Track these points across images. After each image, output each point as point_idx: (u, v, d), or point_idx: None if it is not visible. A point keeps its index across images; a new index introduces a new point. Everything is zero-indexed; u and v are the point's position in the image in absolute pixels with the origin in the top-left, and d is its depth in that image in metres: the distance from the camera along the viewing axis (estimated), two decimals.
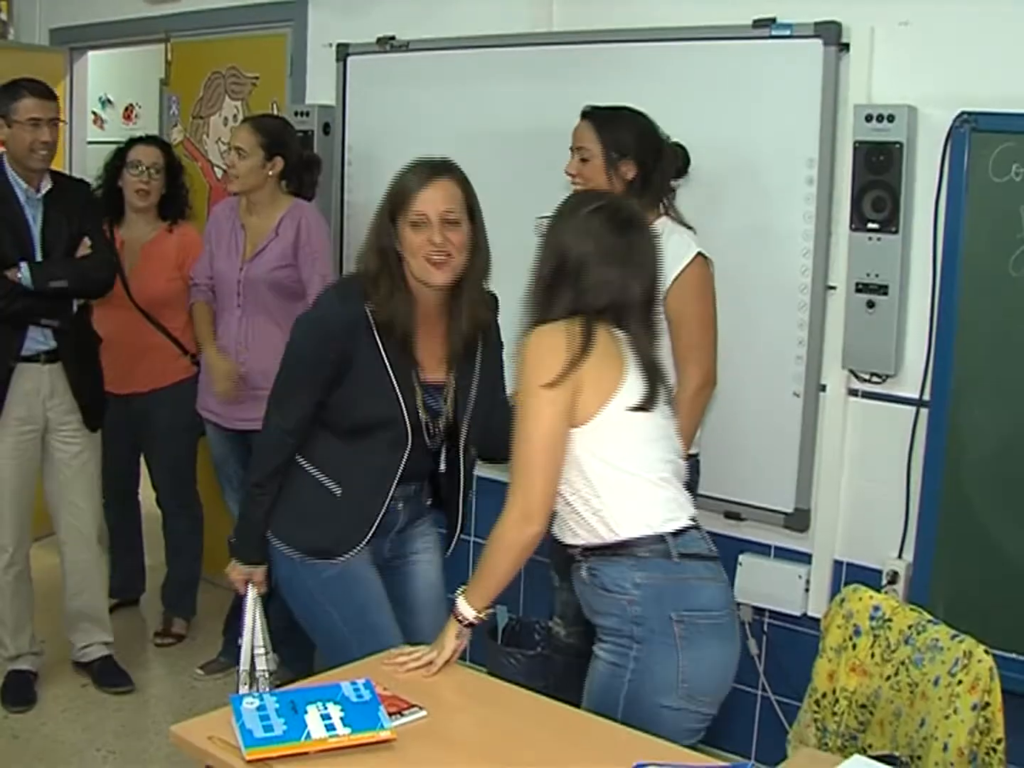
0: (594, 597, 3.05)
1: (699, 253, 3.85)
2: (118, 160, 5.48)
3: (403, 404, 3.43)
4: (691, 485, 3.38)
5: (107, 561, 5.50)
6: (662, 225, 3.87)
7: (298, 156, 5.03)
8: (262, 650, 3.74)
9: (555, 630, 4.25)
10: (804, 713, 3.29)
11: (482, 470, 5.00)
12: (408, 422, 3.44)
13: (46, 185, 4.84)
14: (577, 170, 3.94)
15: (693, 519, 3.08)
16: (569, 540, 3.08)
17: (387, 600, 3.59)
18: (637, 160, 3.89)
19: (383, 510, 3.50)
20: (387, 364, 3.42)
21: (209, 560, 5.74)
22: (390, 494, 3.50)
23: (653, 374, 3.05)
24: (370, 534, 3.50)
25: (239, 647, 3.73)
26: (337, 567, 3.51)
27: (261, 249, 4.92)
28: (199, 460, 5.68)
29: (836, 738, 3.21)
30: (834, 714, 3.21)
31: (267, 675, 3.72)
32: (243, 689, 3.67)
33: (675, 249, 3.78)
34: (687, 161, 4.09)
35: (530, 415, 2.95)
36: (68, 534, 5.11)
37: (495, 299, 3.60)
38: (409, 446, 3.46)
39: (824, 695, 3.25)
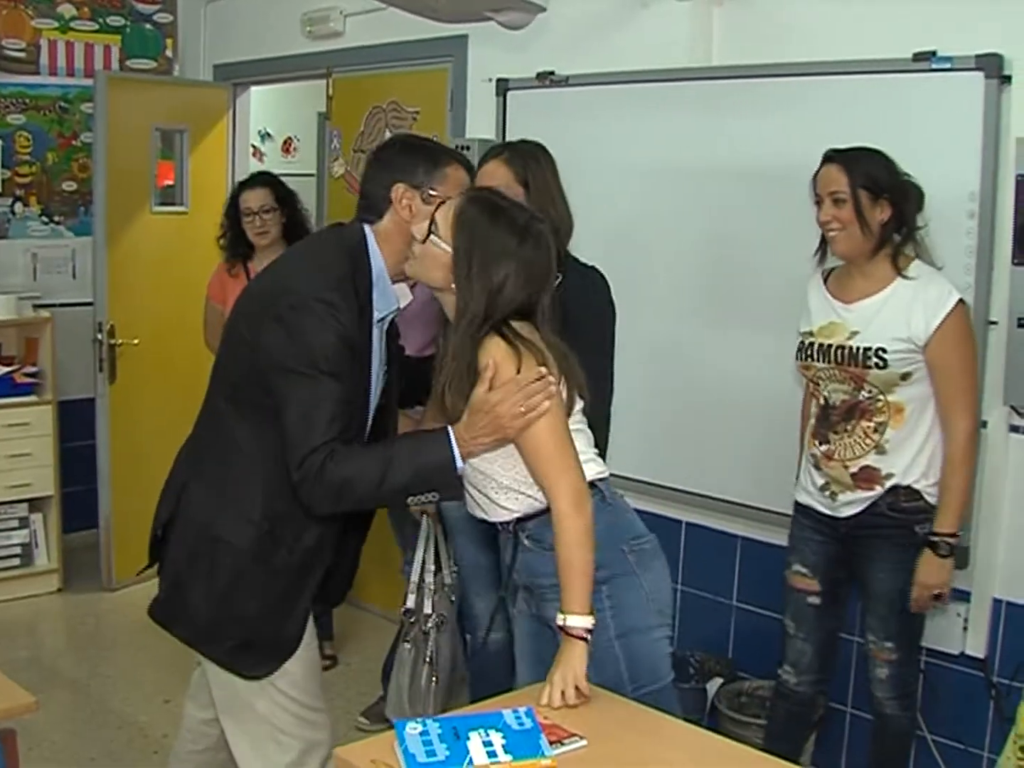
0: (542, 560, 3.18)
1: (960, 299, 3.77)
2: (233, 208, 5.64)
3: None
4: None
5: None
6: (916, 269, 3.83)
7: None
8: (432, 567, 4.43)
9: (784, 677, 4.22)
10: (1007, 760, 3.22)
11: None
12: None
13: (406, 297, 3.41)
14: (833, 215, 3.82)
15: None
16: (499, 517, 3.25)
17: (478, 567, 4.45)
18: (891, 199, 3.80)
19: None
20: None
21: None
22: None
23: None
24: None
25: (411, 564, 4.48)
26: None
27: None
28: None
29: None
30: None
31: (431, 588, 4.41)
32: (410, 600, 4.42)
33: (936, 295, 3.76)
34: (922, 197, 3.91)
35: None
36: None
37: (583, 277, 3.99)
38: None
39: None
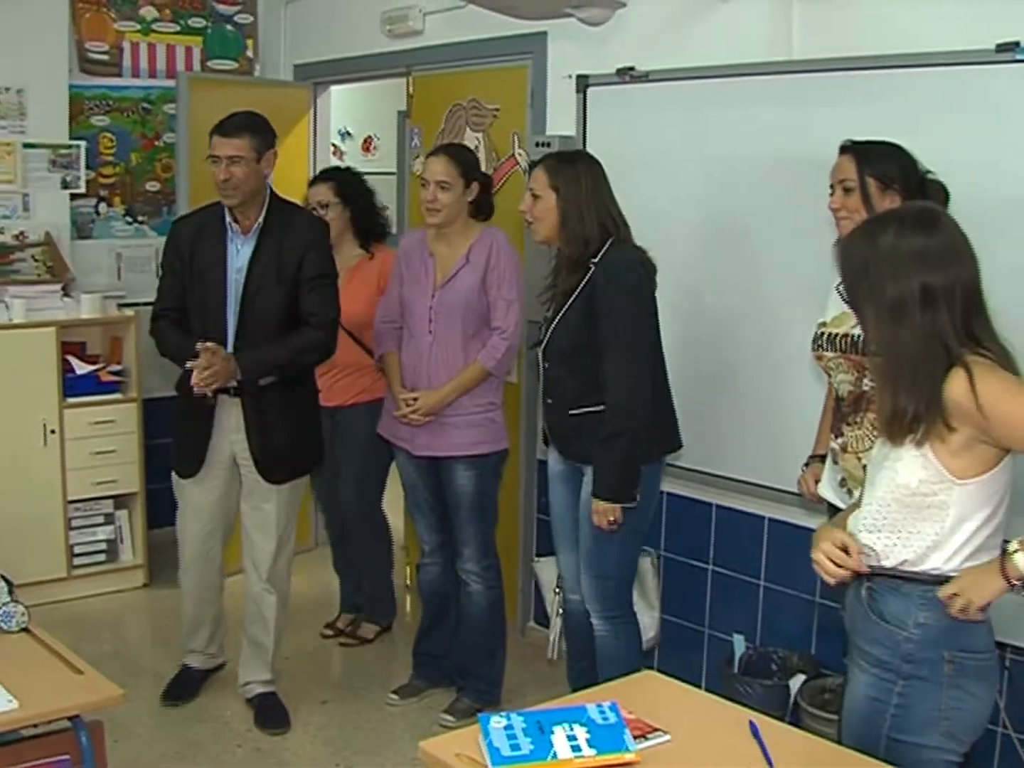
0: (866, 622, 3.00)
1: None
2: (305, 200, 5.79)
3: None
4: None
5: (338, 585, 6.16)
6: None
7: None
8: None
9: None
10: None
11: None
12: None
13: (258, 221, 4.92)
14: (841, 203, 3.85)
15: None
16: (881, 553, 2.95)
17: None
18: (902, 192, 3.78)
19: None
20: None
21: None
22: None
23: None
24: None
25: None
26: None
27: (452, 276, 4.99)
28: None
29: None
30: None
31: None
32: (551, 609, 5.19)
33: None
34: (947, 197, 3.87)
35: None
36: (246, 565, 5.19)
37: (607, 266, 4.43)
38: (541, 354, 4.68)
39: None
